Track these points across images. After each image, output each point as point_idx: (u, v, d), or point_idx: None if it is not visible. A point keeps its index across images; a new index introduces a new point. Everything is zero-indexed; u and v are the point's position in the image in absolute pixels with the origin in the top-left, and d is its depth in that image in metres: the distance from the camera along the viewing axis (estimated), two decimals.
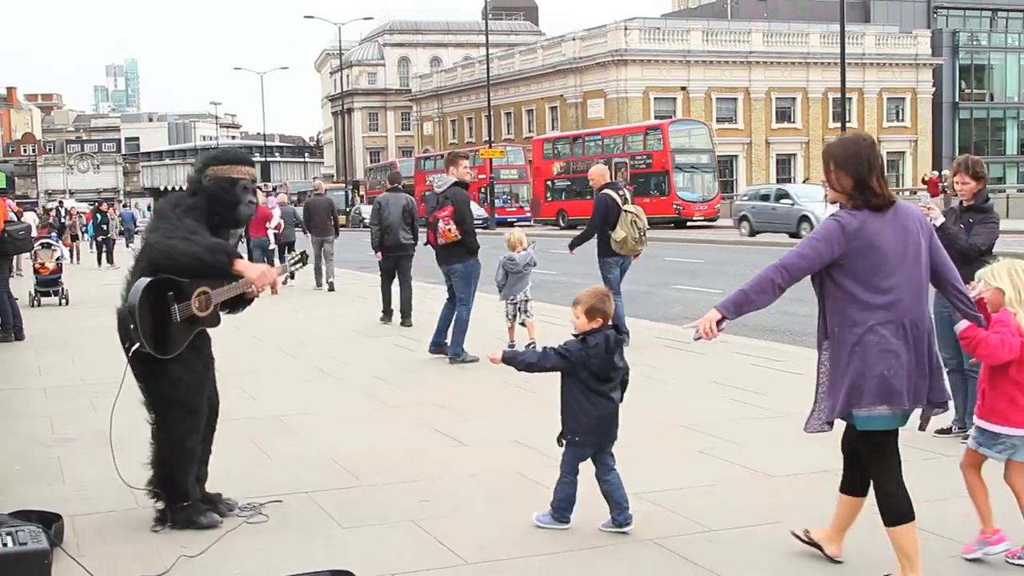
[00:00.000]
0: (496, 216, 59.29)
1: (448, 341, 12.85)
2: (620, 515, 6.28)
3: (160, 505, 6.48)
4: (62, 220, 45.11)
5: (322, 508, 6.83)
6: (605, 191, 13.89)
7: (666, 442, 8.45)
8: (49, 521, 6.12)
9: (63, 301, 21.45)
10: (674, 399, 10.08)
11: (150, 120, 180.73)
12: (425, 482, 7.41)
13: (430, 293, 17.96)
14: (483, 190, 63.35)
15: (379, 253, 16.50)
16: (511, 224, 61.23)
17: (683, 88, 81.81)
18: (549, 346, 6.32)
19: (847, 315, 5.19)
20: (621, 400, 6.37)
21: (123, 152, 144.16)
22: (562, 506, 6.34)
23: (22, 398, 11.05)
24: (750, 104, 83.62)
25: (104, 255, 36.77)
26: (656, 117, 74.36)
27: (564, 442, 6.35)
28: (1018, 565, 5.63)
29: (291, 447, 8.54)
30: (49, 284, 21.61)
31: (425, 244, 13.46)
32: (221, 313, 6.55)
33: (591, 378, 6.19)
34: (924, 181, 52.70)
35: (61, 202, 62.03)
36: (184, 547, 6.03)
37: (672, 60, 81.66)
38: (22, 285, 22.61)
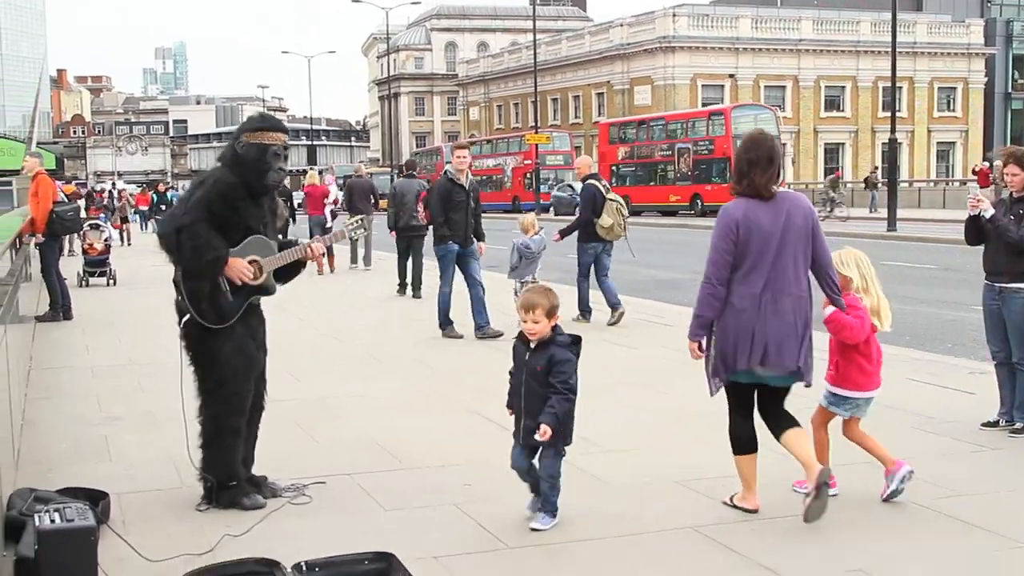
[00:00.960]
0: (542, 202, 58.78)
1: (477, 319, 13.52)
2: (542, 511, 6.16)
3: (206, 485, 6.52)
4: (114, 202, 44.16)
5: (365, 490, 6.85)
6: (591, 181, 14.74)
7: (708, 429, 8.40)
8: (96, 498, 6.18)
9: (111, 281, 21.64)
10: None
11: (198, 103, 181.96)
12: (468, 465, 7.42)
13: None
14: (528, 176, 63.23)
15: (393, 233, 18.61)
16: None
17: (731, 76, 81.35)
18: (555, 390, 5.98)
19: (731, 289, 6.10)
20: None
21: (171, 134, 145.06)
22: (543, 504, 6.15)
23: (70, 377, 11.14)
24: (799, 92, 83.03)
25: None
26: (703, 104, 73.92)
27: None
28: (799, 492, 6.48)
29: (335, 429, 8.57)
30: (97, 264, 21.80)
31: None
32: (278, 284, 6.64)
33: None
34: (974, 172, 52.22)
35: (114, 183, 61.83)
36: (228, 526, 6.07)
37: (720, 47, 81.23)
38: (71, 265, 22.81)
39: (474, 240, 13.70)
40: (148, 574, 5.35)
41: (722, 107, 62.02)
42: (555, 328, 6.08)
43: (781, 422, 6.36)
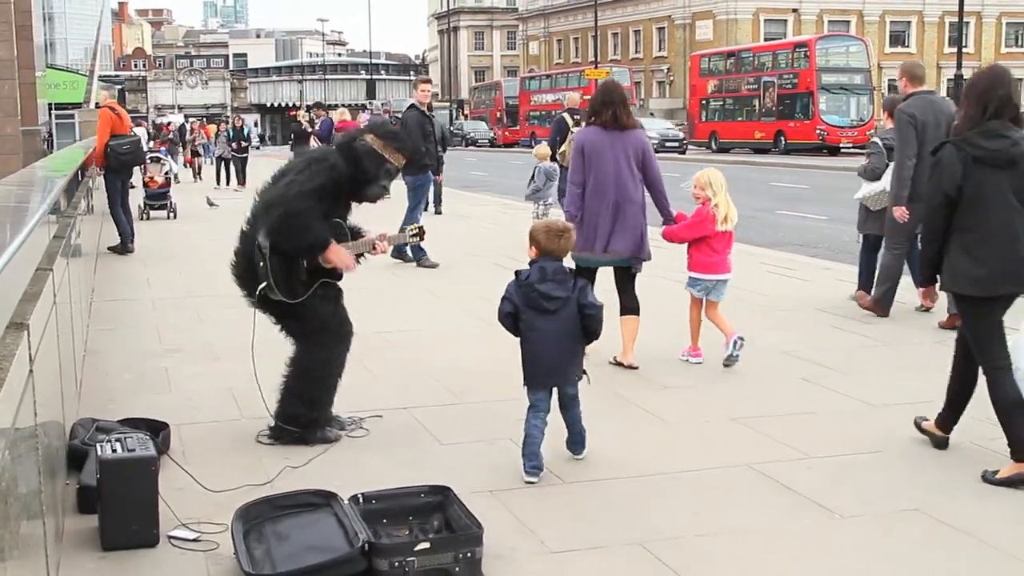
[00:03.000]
0: None
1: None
2: (574, 445, 6.26)
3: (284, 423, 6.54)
4: (184, 137, 42.70)
5: (422, 424, 6.90)
6: (564, 114, 17.25)
7: (766, 368, 8.39)
8: (156, 429, 6.27)
9: (171, 215, 21.80)
10: (775, 326, 9.98)
11: (257, 36, 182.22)
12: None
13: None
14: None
15: None
16: None
17: (795, 10, 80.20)
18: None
19: (585, 193, 8.25)
20: (589, 337, 6.10)
21: (231, 68, 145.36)
22: (527, 453, 5.97)
23: (131, 310, 11.27)
24: (863, 28, 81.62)
25: (235, 173, 32.43)
26: (765, 39, 72.94)
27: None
28: (694, 363, 8.54)
29: (392, 364, 8.62)
30: (157, 198, 21.96)
31: None
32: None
33: (529, 311, 5.94)
34: None
35: (186, 117, 61.29)
36: (287, 458, 6.13)
37: None
38: (132, 199, 23.00)
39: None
40: (207, 504, 5.42)
41: (807, 38, 59.76)
42: (532, 262, 6.10)
43: (624, 303, 8.42)
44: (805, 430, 6.76)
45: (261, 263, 6.22)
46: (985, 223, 5.86)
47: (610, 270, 8.40)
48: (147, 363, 8.71)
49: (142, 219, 20.92)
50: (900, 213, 9.65)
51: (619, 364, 8.33)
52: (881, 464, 6.13)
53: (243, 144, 32.80)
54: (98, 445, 5.18)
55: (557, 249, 6.06)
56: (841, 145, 50.12)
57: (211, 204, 23.96)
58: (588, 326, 5.98)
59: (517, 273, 6.05)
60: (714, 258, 8.48)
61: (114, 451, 5.04)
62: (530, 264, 6.05)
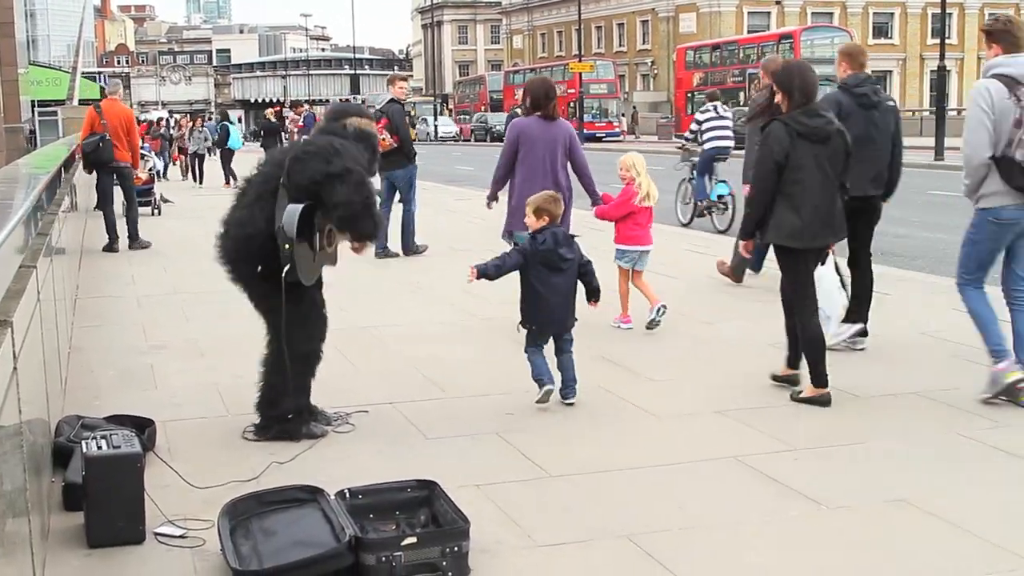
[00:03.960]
0: (585, 131, 58.26)
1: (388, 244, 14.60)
2: (566, 389, 7.21)
3: (268, 414, 6.54)
4: (171, 132, 39.53)
5: (408, 419, 6.89)
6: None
7: (753, 361, 8.40)
8: (142, 426, 6.25)
9: (155, 211, 21.74)
10: (761, 317, 9.98)
11: (241, 32, 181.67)
12: (510, 395, 7.44)
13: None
14: (572, 105, 62.77)
15: None
16: (600, 140, 60.82)
17: (778, 2, 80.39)
18: (510, 249, 7.38)
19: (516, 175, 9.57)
20: (593, 294, 7.33)
21: (214, 64, 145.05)
22: (539, 376, 7.13)
23: (117, 306, 11.25)
24: (847, 20, 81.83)
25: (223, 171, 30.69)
26: (749, 32, 73.04)
27: (524, 328, 7.25)
28: (624, 328, 9.51)
29: (378, 358, 8.62)
30: (142, 195, 21.85)
31: None
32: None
33: (543, 269, 7.04)
34: None
35: (171, 112, 60.28)
36: (273, 454, 6.13)
37: None
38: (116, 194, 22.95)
39: None
40: (194, 500, 5.41)
41: (792, 29, 59.82)
42: (543, 228, 7.20)
43: None
44: (790, 421, 6.78)
45: (287, 245, 6.02)
46: (803, 187, 7.02)
47: None
48: (132, 360, 8.69)
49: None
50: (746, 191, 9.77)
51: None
52: (867, 455, 6.15)
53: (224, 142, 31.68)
54: (83, 442, 5.16)
55: (559, 213, 7.31)
56: None
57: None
58: (590, 281, 7.26)
59: (533, 236, 7.13)
60: (638, 232, 9.63)
61: (99, 448, 5.03)
62: (537, 232, 7.13)
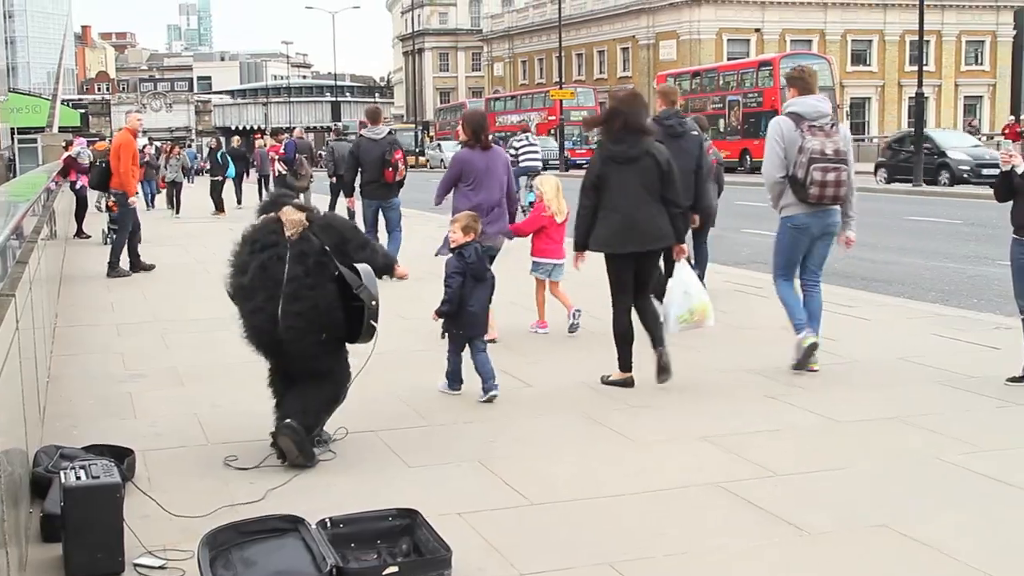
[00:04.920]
0: (568, 158, 58.30)
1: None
2: (486, 384, 7.99)
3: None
4: (158, 161, 35.49)
5: (389, 447, 6.88)
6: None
7: (734, 387, 8.41)
8: (121, 455, 6.21)
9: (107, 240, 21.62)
10: (743, 344, 10.02)
11: (222, 59, 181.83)
12: (492, 422, 7.43)
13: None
14: (552, 131, 62.87)
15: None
16: (581, 167, 60.89)
17: (757, 30, 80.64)
18: (447, 277, 8.01)
19: (463, 197, 10.11)
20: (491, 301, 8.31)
21: (195, 91, 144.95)
22: (453, 377, 8.19)
23: (95, 334, 11.19)
24: (825, 47, 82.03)
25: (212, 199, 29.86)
26: (728, 58, 73.30)
27: (447, 334, 8.25)
28: (541, 333, 10.68)
29: (358, 385, 8.57)
30: (114, 222, 21.74)
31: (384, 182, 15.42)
32: None
33: (471, 281, 7.98)
34: (1004, 131, 51.21)
35: (151, 139, 58.97)
36: (252, 483, 6.10)
37: (746, 1, 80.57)
38: (96, 223, 22.93)
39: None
40: (173, 530, 5.38)
41: (772, 56, 60.03)
42: (467, 244, 8.10)
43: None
44: (772, 448, 6.78)
45: (372, 308, 6.44)
46: (613, 203, 8.19)
47: None
48: (111, 389, 8.65)
49: (105, 243, 20.78)
50: None
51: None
52: (848, 480, 6.16)
53: (215, 168, 31.18)
54: (62, 472, 5.13)
55: (480, 230, 8.38)
56: None
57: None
58: (493, 289, 8.32)
59: (461, 253, 8.02)
60: (552, 245, 10.72)
61: (78, 478, 5.00)
62: (460, 247, 8.05)
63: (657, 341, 8.38)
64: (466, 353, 8.17)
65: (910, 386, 8.33)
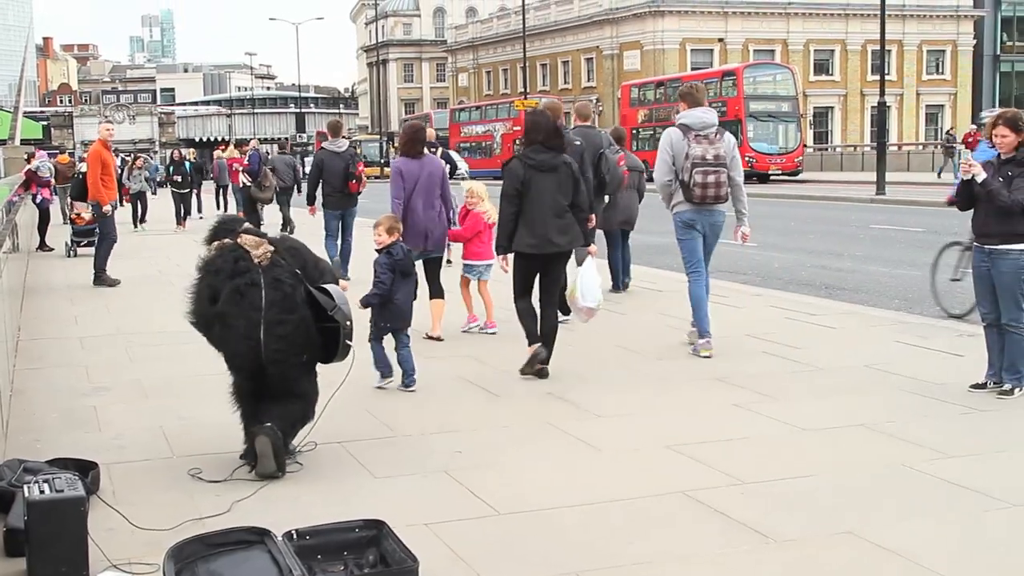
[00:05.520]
0: None
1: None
2: (407, 379, 8.73)
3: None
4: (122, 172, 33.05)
5: (355, 458, 6.86)
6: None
7: (699, 395, 8.44)
8: (85, 469, 6.18)
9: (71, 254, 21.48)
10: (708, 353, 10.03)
11: (185, 71, 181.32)
12: (458, 433, 7.43)
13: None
14: (517, 142, 62.87)
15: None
16: None
17: (720, 40, 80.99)
18: (377, 274, 8.66)
19: (408, 206, 10.63)
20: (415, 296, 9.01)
21: (158, 103, 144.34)
22: (382, 365, 8.79)
23: (59, 348, 11.11)
24: (788, 56, 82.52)
25: (175, 211, 30.00)
26: (692, 69, 73.58)
27: (372, 326, 8.81)
28: (472, 327, 11.45)
29: (326, 397, 8.55)
30: (84, 235, 21.61)
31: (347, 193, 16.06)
32: None
33: (399, 277, 8.68)
34: (966, 140, 51.50)
35: (116, 151, 57.50)
36: (218, 495, 6.07)
37: (709, 11, 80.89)
38: (59, 235, 22.78)
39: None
40: (138, 543, 5.35)
41: (735, 66, 60.14)
42: (393, 244, 8.79)
43: (433, 290, 10.86)
44: (738, 456, 6.79)
45: (347, 328, 6.60)
46: (532, 209, 8.95)
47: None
48: (75, 402, 8.59)
49: (69, 256, 20.68)
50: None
51: (430, 338, 10.70)
52: (814, 488, 6.18)
53: (184, 179, 31.10)
54: (25, 486, 5.09)
55: (402, 230, 9.21)
56: (770, 172, 50.75)
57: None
58: (417, 284, 9.05)
59: (389, 252, 8.68)
60: (483, 248, 11.38)
61: (42, 492, 4.96)
62: (387, 247, 8.72)
63: (546, 350, 9.14)
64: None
65: (875, 393, 8.38)
